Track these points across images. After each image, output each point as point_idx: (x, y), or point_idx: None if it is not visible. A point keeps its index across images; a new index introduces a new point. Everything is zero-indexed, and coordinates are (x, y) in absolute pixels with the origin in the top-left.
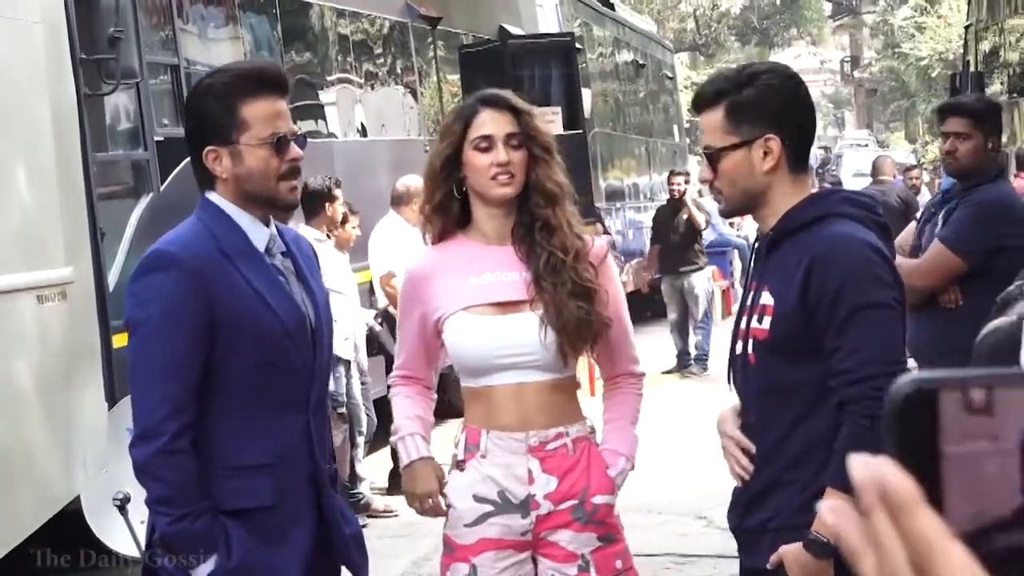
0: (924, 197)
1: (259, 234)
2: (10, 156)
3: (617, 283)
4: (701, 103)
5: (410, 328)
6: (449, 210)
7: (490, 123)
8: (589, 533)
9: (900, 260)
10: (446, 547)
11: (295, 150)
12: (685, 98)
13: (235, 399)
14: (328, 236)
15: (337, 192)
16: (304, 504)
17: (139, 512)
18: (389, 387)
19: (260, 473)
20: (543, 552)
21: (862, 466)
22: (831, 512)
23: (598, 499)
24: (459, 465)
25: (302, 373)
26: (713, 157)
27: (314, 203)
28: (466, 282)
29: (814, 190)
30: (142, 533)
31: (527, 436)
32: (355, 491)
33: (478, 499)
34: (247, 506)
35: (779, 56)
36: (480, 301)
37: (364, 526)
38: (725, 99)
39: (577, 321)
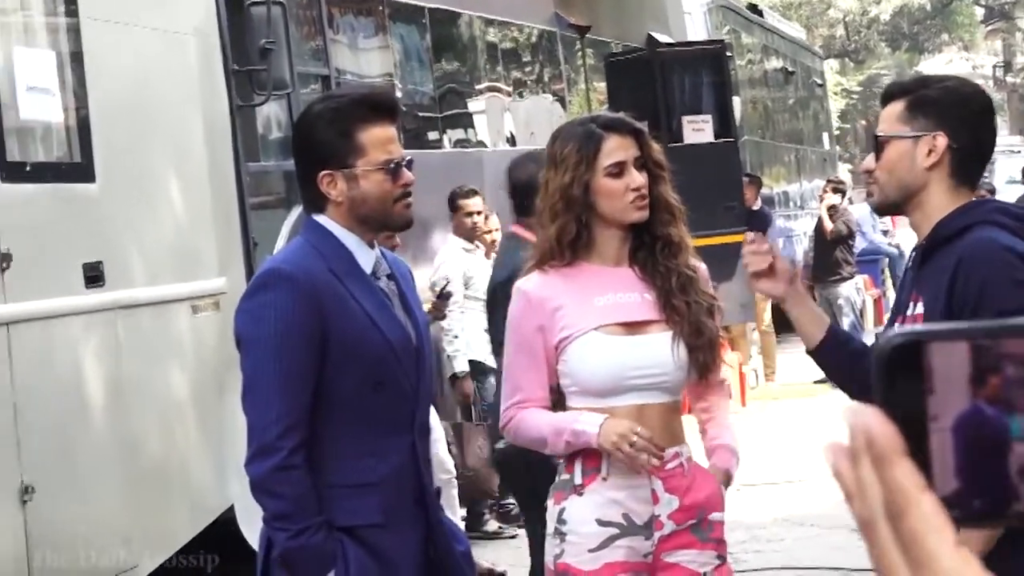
0: None
1: (366, 256)
2: (164, 167)
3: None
4: (888, 96)
5: (530, 352)
6: (579, 238)
7: (619, 149)
8: (709, 551)
9: None
10: None
11: (407, 175)
12: (835, 105)
13: (343, 419)
14: (476, 246)
15: (462, 202)
16: (413, 523)
17: None
18: (504, 426)
19: (368, 492)
20: (663, 574)
21: (852, 414)
22: (830, 452)
23: (714, 516)
24: (577, 490)
25: (408, 394)
26: (880, 144)
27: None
28: (591, 303)
29: None
30: None
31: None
32: (506, 502)
33: (602, 523)
34: (357, 523)
35: (930, 62)
36: (611, 320)
37: (514, 536)
38: (910, 94)
39: (714, 338)
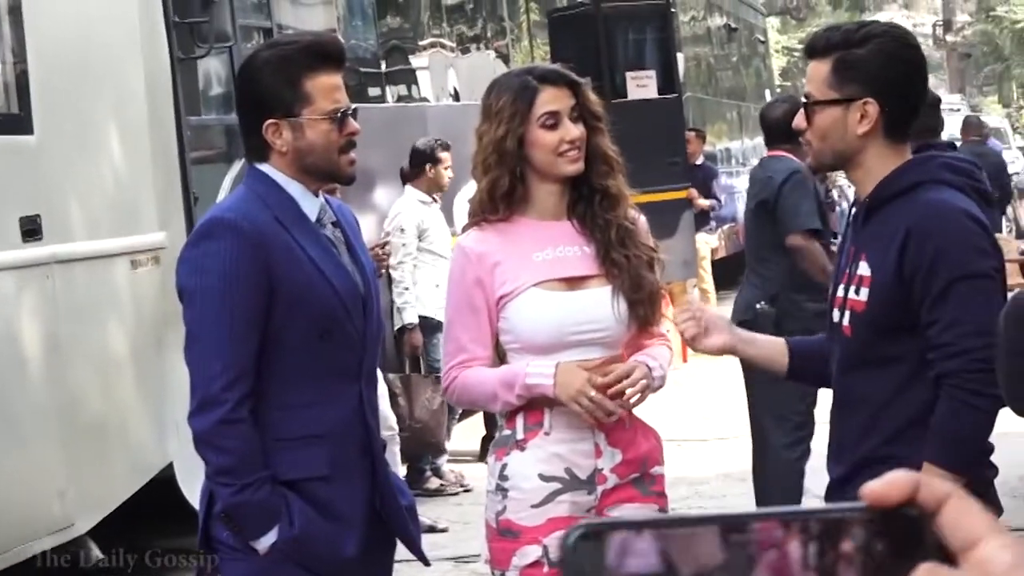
0: None
1: (310, 204)
2: (104, 120)
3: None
4: (812, 52)
5: (472, 309)
6: (513, 192)
7: (553, 100)
8: (651, 504)
9: None
10: (507, 533)
11: (354, 124)
12: (777, 63)
13: (289, 369)
14: (433, 199)
15: (442, 155)
16: (359, 475)
17: None
18: (446, 389)
19: (314, 444)
20: None
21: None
22: None
23: (656, 470)
24: (519, 445)
25: (355, 343)
26: (810, 108)
27: (417, 164)
28: (530, 258)
29: None
30: None
31: None
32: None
33: (545, 478)
34: (302, 476)
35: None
36: (551, 276)
37: (455, 494)
38: (836, 53)
39: (655, 291)
